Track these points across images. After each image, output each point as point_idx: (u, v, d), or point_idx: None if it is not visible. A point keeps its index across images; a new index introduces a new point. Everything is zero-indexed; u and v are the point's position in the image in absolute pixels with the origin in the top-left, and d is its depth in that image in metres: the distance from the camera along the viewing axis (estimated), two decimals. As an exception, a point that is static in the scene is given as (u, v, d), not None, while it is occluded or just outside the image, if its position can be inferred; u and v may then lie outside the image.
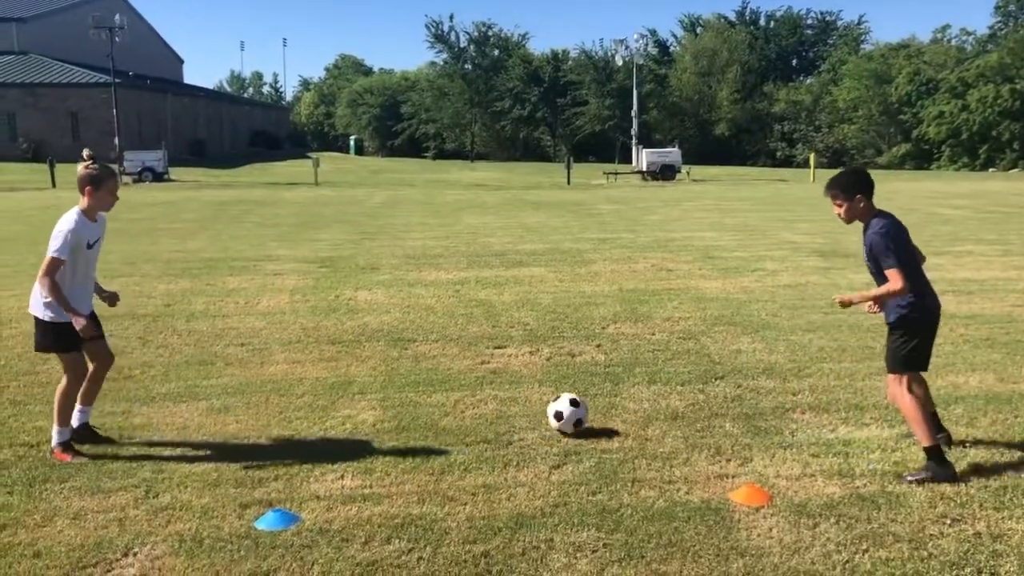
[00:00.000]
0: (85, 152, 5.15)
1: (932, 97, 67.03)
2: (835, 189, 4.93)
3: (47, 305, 5.04)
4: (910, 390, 4.86)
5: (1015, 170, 59.77)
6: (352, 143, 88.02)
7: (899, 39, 76.52)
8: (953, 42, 74.36)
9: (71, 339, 5.08)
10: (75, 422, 5.33)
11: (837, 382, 6.65)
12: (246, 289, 10.95)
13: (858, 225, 5.01)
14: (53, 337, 5.12)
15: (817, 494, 4.57)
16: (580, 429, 5.50)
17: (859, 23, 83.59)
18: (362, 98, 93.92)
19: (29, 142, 53.04)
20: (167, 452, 5.30)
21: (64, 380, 5.19)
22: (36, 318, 5.16)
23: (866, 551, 3.93)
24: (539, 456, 5.16)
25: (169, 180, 42.54)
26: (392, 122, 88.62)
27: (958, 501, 4.45)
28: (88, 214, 5.10)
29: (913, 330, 4.86)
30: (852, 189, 4.88)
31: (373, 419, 5.86)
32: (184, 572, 3.83)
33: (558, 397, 5.66)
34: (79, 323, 4.94)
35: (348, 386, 6.64)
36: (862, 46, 79.73)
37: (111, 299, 5.46)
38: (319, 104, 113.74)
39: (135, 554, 3.98)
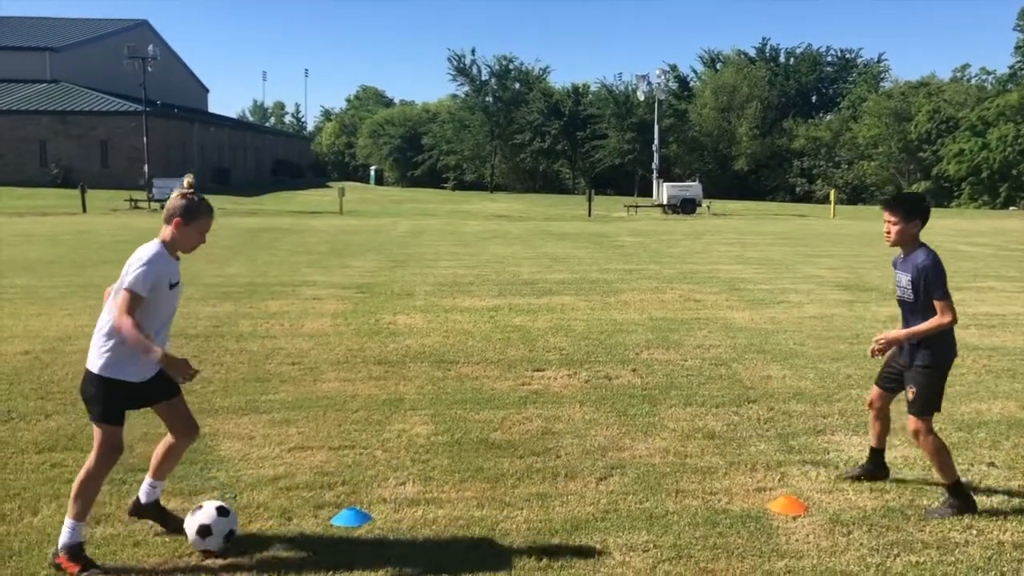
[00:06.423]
0: (187, 179, 4.30)
1: (952, 135, 67.42)
2: (899, 206, 4.81)
3: (108, 361, 4.17)
4: (931, 430, 4.83)
5: (1035, 209, 59.74)
6: (372, 173, 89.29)
7: (919, 77, 77.15)
8: (973, 81, 74.88)
9: (117, 407, 4.21)
10: (143, 496, 4.54)
11: (865, 408, 6.95)
12: (288, 312, 11.38)
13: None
14: (95, 396, 4.18)
15: (850, 506, 4.90)
16: None
17: (879, 61, 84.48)
18: (383, 129, 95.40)
19: (60, 168, 54.27)
20: (236, 458, 5.67)
21: (92, 458, 4.16)
22: (88, 372, 4.22)
23: (898, 555, 4.26)
24: (585, 468, 5.51)
25: (197, 207, 43.25)
26: (413, 153, 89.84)
27: (983, 515, 4.77)
28: (171, 248, 4.24)
29: (943, 371, 4.85)
30: (914, 213, 4.81)
31: (427, 432, 6.23)
32: (271, 563, 4.19)
33: None
34: (156, 354, 4.07)
35: (399, 403, 7.02)
36: (882, 84, 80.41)
37: (180, 369, 4.21)
38: (340, 134, 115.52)
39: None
